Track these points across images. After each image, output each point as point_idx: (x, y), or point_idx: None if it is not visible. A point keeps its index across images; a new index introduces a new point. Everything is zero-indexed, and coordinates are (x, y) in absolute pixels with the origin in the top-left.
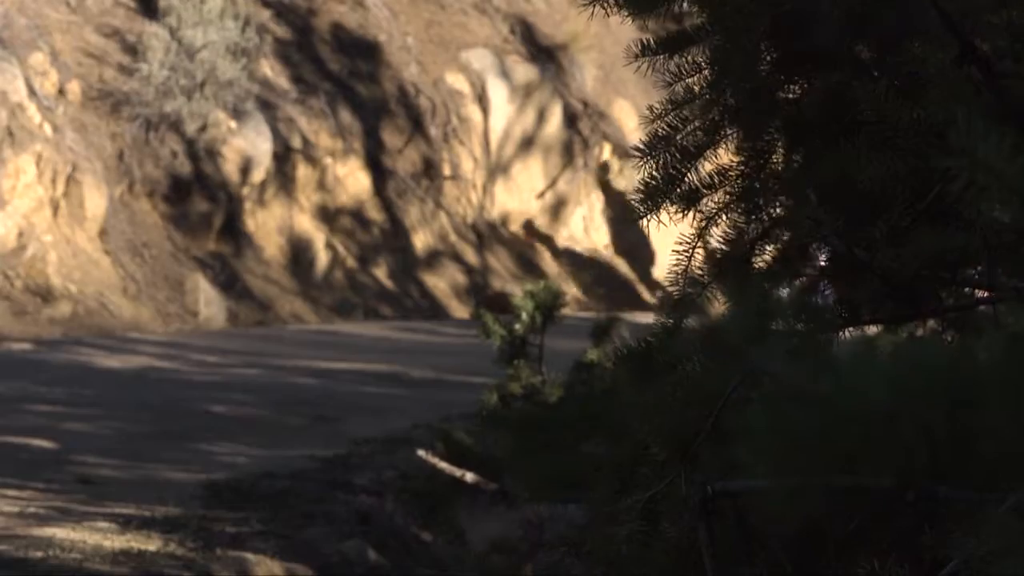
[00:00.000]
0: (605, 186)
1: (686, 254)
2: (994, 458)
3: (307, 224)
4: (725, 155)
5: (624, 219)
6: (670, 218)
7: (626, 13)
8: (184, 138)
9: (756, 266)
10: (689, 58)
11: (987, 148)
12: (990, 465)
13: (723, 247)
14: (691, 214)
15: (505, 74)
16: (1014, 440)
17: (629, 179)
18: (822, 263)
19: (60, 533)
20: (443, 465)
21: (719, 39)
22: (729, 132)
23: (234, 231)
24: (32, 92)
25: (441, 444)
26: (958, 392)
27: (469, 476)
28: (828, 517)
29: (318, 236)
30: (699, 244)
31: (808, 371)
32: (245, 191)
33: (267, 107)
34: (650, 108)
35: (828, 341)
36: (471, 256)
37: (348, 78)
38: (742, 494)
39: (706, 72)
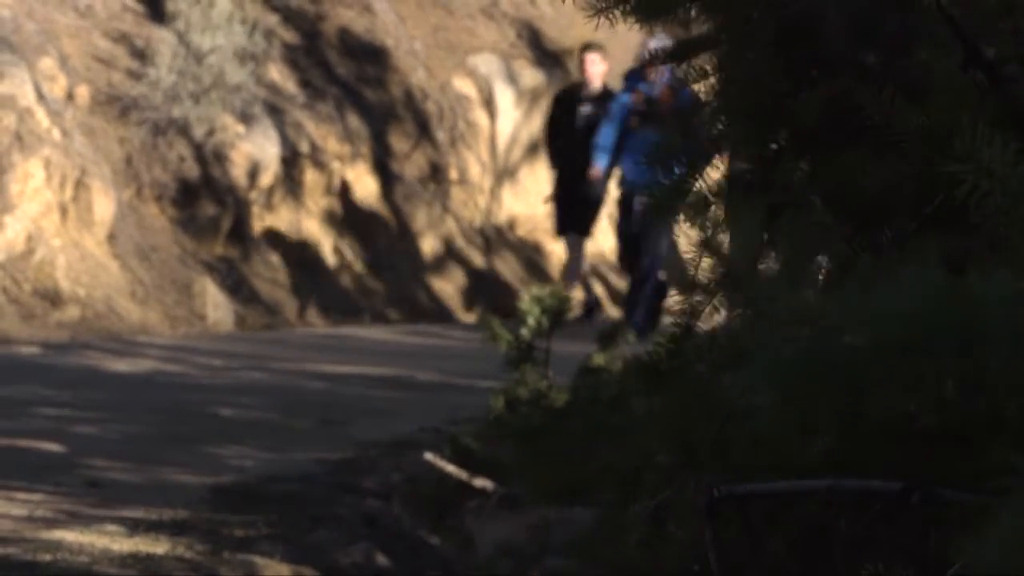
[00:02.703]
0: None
1: (694, 261)
2: (1001, 393)
3: (314, 228)
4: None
5: None
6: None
7: (633, 20)
8: (192, 142)
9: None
10: (696, 65)
11: (992, 153)
12: (996, 400)
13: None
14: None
15: (512, 79)
16: (1019, 377)
17: None
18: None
19: (68, 536)
20: (450, 469)
21: (726, 46)
22: (736, 139)
23: (242, 235)
24: (41, 97)
25: (448, 448)
26: (966, 328)
27: (477, 480)
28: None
29: (326, 240)
30: (707, 251)
31: (818, 300)
32: (253, 195)
33: (275, 112)
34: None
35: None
36: (478, 260)
37: (356, 83)
38: (748, 498)
39: (713, 79)
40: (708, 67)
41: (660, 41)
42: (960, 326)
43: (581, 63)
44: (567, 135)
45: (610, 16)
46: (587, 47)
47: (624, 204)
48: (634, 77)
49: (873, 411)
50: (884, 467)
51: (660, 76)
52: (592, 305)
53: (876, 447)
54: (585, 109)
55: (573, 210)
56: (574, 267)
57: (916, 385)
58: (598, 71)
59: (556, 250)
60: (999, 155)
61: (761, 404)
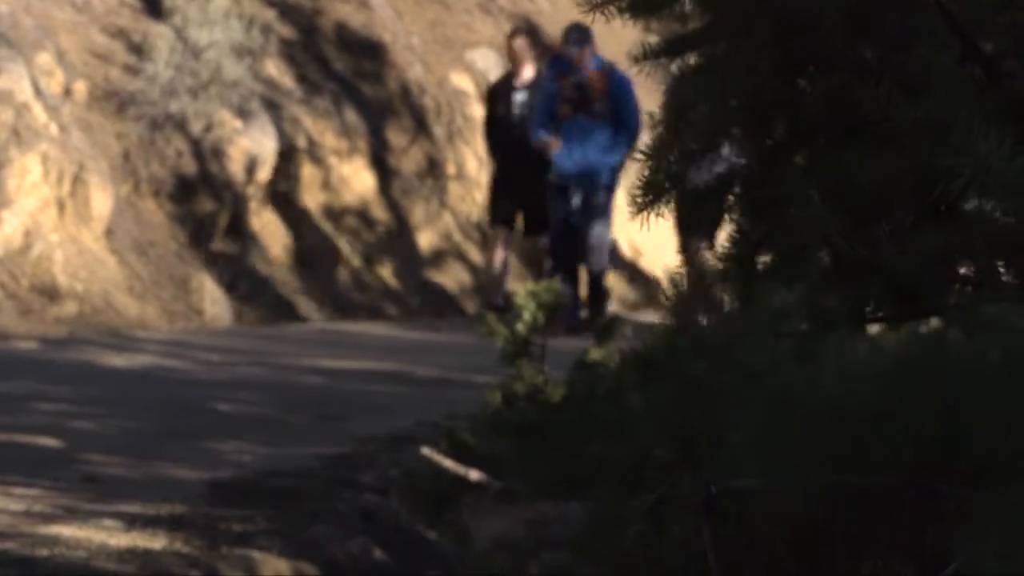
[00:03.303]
0: None
1: (690, 256)
2: (982, 457)
3: (312, 223)
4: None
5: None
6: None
7: (629, 16)
8: (189, 138)
9: (760, 267)
10: (692, 60)
11: (988, 148)
12: (979, 464)
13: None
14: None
15: None
16: (1000, 440)
17: (631, 179)
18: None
19: (66, 531)
20: (447, 464)
21: (722, 41)
22: (733, 134)
23: (239, 230)
24: (38, 92)
25: (445, 443)
26: (945, 393)
27: (473, 474)
28: (831, 517)
29: (323, 236)
30: (703, 246)
31: (799, 373)
32: (250, 190)
33: (272, 107)
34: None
35: (819, 342)
36: (476, 255)
37: (353, 78)
38: (746, 494)
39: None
40: (704, 62)
41: (583, 28)
42: (940, 389)
43: (509, 50)
44: (504, 126)
45: (606, 12)
46: (513, 33)
47: (559, 194)
48: (559, 63)
49: (857, 473)
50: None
51: (588, 61)
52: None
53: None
54: (520, 98)
55: (509, 202)
56: (501, 267)
57: (899, 449)
58: (527, 57)
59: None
60: (996, 149)
61: (747, 484)
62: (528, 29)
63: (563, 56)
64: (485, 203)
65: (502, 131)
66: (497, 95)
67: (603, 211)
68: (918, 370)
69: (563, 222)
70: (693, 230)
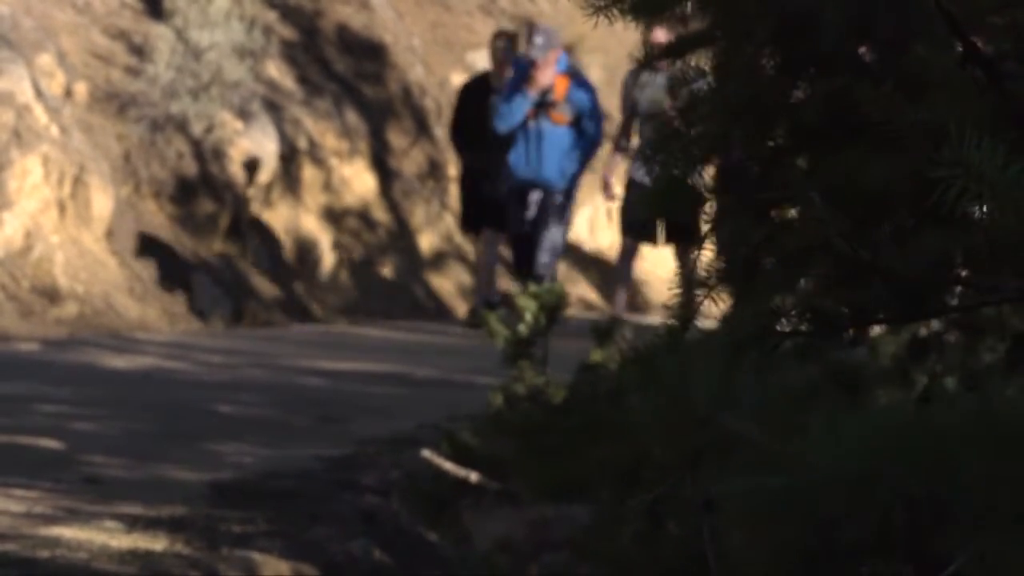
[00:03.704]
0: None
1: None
2: (970, 517)
3: (313, 225)
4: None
5: None
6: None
7: (631, 18)
8: (190, 139)
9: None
10: (693, 62)
11: (980, 156)
12: (966, 523)
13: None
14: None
15: None
16: (987, 498)
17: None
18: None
19: (67, 532)
20: (448, 465)
21: (723, 43)
22: (734, 136)
23: (240, 232)
24: (39, 93)
25: (446, 444)
26: (931, 454)
27: (474, 476)
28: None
29: (324, 237)
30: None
31: (779, 435)
32: (251, 192)
33: (273, 108)
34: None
35: (799, 404)
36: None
37: (354, 79)
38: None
39: (710, 76)
40: (705, 64)
41: (545, 34)
42: (927, 453)
43: (492, 52)
44: (478, 128)
45: (608, 14)
46: (498, 35)
47: (516, 200)
48: (523, 66)
49: (841, 543)
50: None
51: (552, 64)
52: (490, 307)
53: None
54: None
55: (484, 206)
56: (490, 265)
57: (884, 517)
58: (510, 60)
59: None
60: (988, 157)
61: (733, 545)
62: (510, 32)
63: (526, 59)
64: (458, 209)
65: (474, 133)
66: (473, 94)
67: (558, 215)
68: (899, 432)
69: (519, 227)
70: (685, 232)
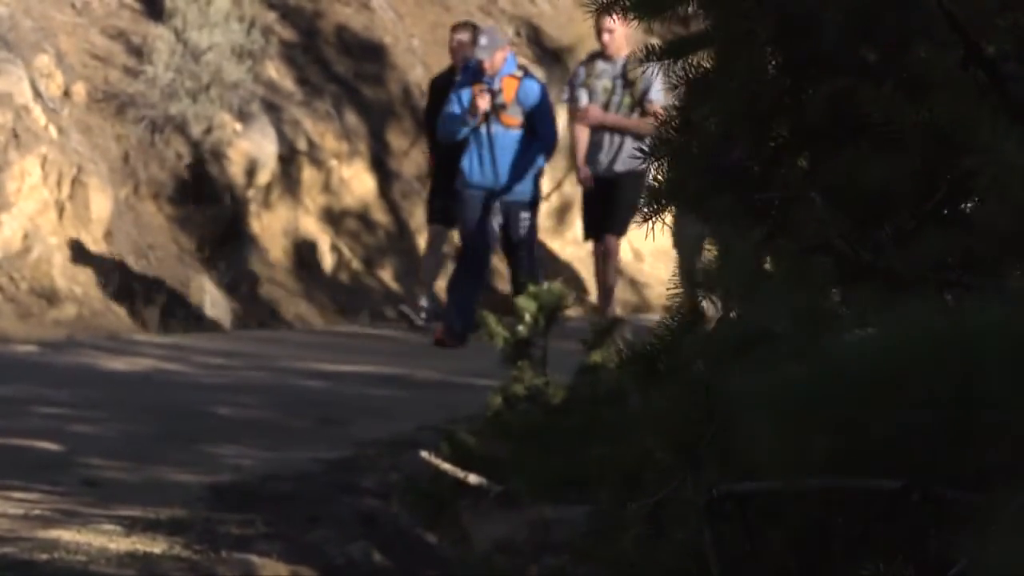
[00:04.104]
0: None
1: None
2: (996, 428)
3: (312, 226)
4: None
5: None
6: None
7: (632, 18)
8: (189, 140)
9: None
10: (695, 62)
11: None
12: (993, 435)
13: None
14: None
15: None
16: (1016, 409)
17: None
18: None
19: (65, 535)
20: (446, 467)
21: (725, 43)
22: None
23: (239, 233)
24: (37, 94)
25: (446, 446)
26: (959, 359)
27: (473, 478)
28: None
29: (323, 238)
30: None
31: (808, 328)
32: (250, 193)
33: (272, 109)
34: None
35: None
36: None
37: (354, 80)
38: (747, 497)
39: (712, 76)
40: (707, 64)
41: (492, 33)
42: (958, 361)
43: (450, 45)
44: None
45: (610, 13)
46: (456, 27)
47: (468, 205)
48: (473, 69)
49: (867, 421)
50: (882, 473)
51: (500, 66)
52: (434, 314)
53: (870, 454)
54: None
55: (447, 201)
56: (434, 262)
57: (913, 414)
58: (469, 52)
59: (555, 248)
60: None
61: (759, 433)
62: (470, 23)
63: (478, 62)
64: (426, 200)
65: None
66: (440, 90)
67: (527, 230)
68: (929, 335)
69: (474, 233)
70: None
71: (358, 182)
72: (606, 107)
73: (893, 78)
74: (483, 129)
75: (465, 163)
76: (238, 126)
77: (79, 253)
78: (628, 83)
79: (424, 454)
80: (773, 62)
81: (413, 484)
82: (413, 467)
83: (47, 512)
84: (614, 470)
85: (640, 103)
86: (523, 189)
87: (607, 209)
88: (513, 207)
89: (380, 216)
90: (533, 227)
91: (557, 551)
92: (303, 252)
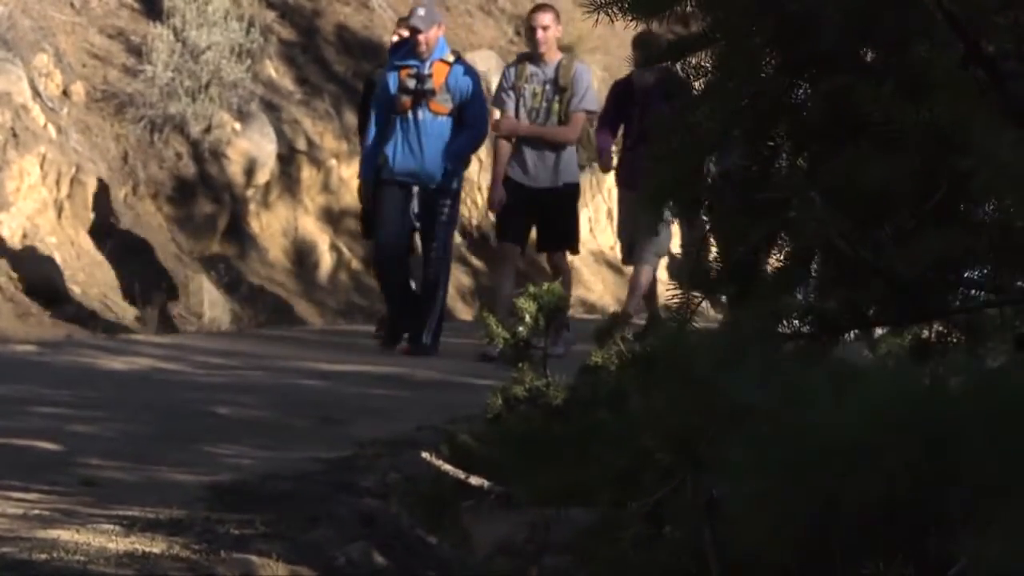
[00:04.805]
0: (611, 188)
1: (692, 257)
2: (975, 487)
3: (311, 226)
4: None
5: None
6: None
7: (631, 17)
8: (189, 139)
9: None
10: (694, 61)
11: (1007, 149)
12: (971, 494)
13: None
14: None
15: None
16: (993, 469)
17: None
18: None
19: (64, 535)
20: (447, 467)
21: (724, 43)
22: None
23: (238, 233)
24: (36, 93)
25: (446, 446)
26: (935, 424)
27: (473, 479)
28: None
29: (322, 238)
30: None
31: (783, 400)
32: (250, 193)
33: (272, 108)
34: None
35: (807, 363)
36: (476, 259)
37: (353, 79)
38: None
39: (711, 76)
40: (706, 64)
41: (431, 5)
42: (932, 423)
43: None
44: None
45: (609, 12)
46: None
47: (393, 197)
48: (402, 52)
49: (848, 505)
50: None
51: (431, 49)
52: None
53: (849, 531)
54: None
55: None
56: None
57: (891, 482)
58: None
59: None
60: (1014, 150)
61: (739, 506)
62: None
63: (407, 44)
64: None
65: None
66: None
67: (447, 219)
68: (904, 400)
69: (395, 230)
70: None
71: (357, 181)
72: (535, 113)
73: (893, 77)
74: (410, 115)
75: (389, 150)
76: (237, 125)
77: (78, 252)
78: (559, 89)
79: (425, 454)
80: (772, 62)
81: (413, 484)
82: (413, 467)
83: (46, 512)
84: (614, 472)
85: (568, 110)
86: (448, 178)
87: (548, 225)
88: (434, 195)
89: None
90: (452, 218)
91: (558, 552)
92: (302, 251)
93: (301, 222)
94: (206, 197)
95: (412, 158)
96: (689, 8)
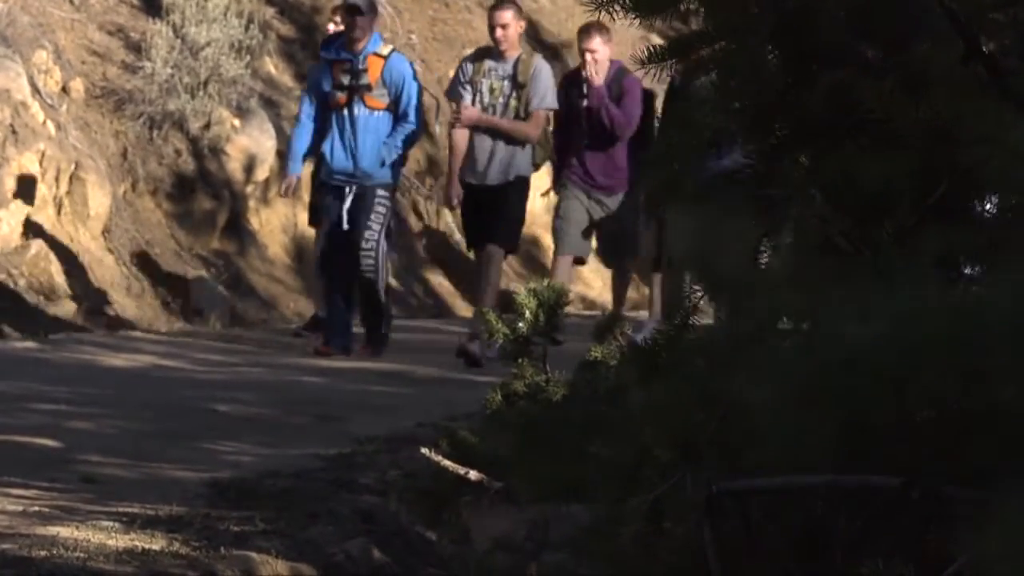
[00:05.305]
0: None
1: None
2: (1002, 410)
3: None
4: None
5: None
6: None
7: (632, 16)
8: (188, 136)
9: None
10: (696, 58)
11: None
12: (998, 417)
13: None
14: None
15: None
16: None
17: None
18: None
19: (64, 532)
20: (445, 463)
21: (725, 40)
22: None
23: (238, 229)
24: (35, 90)
25: (446, 443)
26: (963, 329)
27: (472, 474)
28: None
29: None
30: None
31: (815, 300)
32: (249, 189)
33: (271, 105)
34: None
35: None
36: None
37: None
38: (747, 494)
39: (713, 73)
40: (708, 61)
41: (360, 3)
42: (957, 328)
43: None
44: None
45: (611, 10)
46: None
47: (332, 196)
48: (335, 46)
49: (872, 409)
50: (885, 464)
51: (366, 43)
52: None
53: (875, 443)
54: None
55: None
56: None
57: (914, 385)
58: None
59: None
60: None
61: (761, 402)
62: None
63: (341, 36)
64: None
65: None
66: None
67: (378, 213)
68: (940, 310)
69: (337, 231)
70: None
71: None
72: (492, 109)
73: (894, 74)
74: (345, 111)
75: (327, 148)
76: (236, 122)
77: (77, 249)
78: (518, 85)
79: (424, 450)
80: (773, 58)
81: (412, 481)
82: (412, 464)
83: (45, 508)
84: (613, 467)
85: (527, 107)
86: (383, 174)
87: (491, 219)
88: (370, 191)
89: None
90: (387, 214)
91: (557, 549)
92: (302, 248)
93: (300, 219)
94: (205, 194)
95: (348, 155)
96: (690, 6)
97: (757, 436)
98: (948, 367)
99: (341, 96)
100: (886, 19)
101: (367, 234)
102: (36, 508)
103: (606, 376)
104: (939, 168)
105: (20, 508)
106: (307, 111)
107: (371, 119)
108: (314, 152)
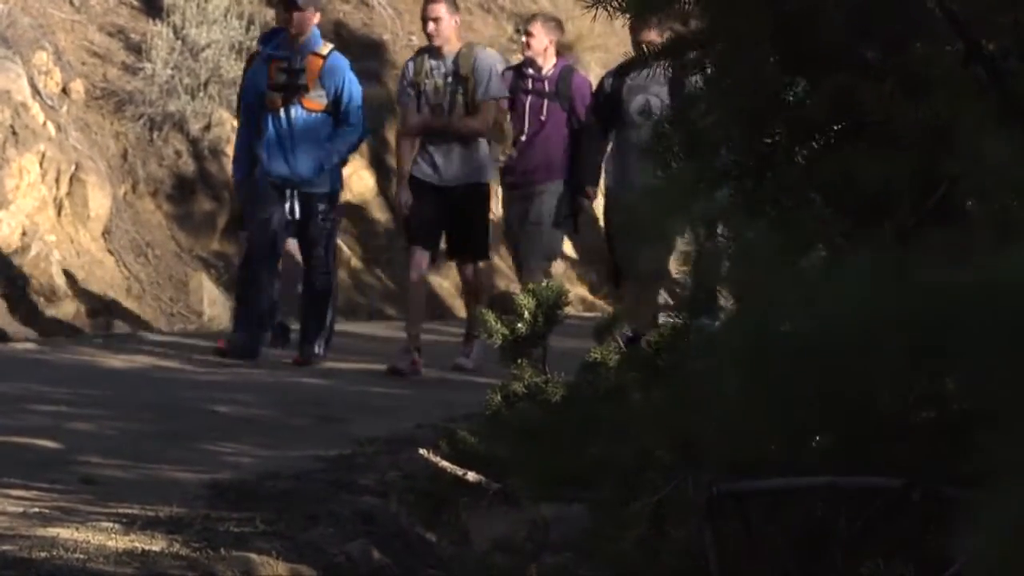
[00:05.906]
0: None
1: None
2: (966, 389)
3: None
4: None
5: None
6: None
7: (630, 16)
8: (188, 137)
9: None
10: (693, 58)
11: (994, 150)
12: (964, 389)
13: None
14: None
15: None
16: (987, 370)
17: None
18: None
19: (64, 533)
20: (445, 464)
21: (723, 41)
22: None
23: (238, 230)
24: (36, 91)
25: (446, 444)
26: (931, 321)
27: (471, 475)
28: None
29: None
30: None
31: (784, 285)
32: None
33: None
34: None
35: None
36: None
37: None
38: (748, 496)
39: (711, 73)
40: (706, 61)
41: None
42: (907, 315)
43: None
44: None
45: (608, 9)
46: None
47: (267, 198)
48: (274, 42)
49: (827, 393)
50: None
51: (305, 34)
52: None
53: (845, 432)
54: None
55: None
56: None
57: (866, 369)
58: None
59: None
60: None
61: (727, 390)
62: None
63: (280, 32)
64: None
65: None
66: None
67: (327, 225)
68: (900, 295)
69: (268, 234)
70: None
71: (357, 179)
72: (440, 109)
73: (893, 76)
74: (282, 113)
75: (263, 150)
76: (236, 123)
77: (77, 250)
78: (461, 79)
79: (423, 452)
80: (771, 59)
81: (413, 482)
82: (412, 465)
83: (45, 510)
84: (614, 469)
85: (474, 101)
86: (323, 180)
87: (457, 229)
88: (311, 199)
89: (379, 214)
90: (333, 221)
91: (557, 550)
92: None
93: None
94: (205, 195)
95: (285, 158)
96: (687, 6)
97: (720, 426)
98: (898, 347)
99: (277, 98)
100: (886, 20)
101: (316, 252)
102: (36, 509)
103: (606, 377)
104: (938, 169)
105: (20, 509)
106: (246, 115)
107: (309, 121)
108: (247, 156)
